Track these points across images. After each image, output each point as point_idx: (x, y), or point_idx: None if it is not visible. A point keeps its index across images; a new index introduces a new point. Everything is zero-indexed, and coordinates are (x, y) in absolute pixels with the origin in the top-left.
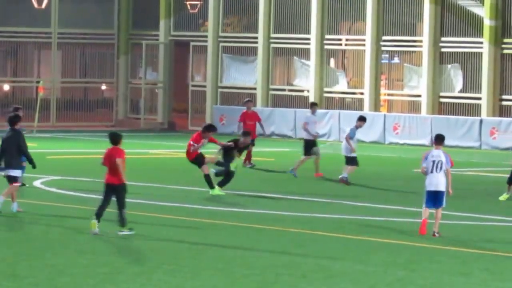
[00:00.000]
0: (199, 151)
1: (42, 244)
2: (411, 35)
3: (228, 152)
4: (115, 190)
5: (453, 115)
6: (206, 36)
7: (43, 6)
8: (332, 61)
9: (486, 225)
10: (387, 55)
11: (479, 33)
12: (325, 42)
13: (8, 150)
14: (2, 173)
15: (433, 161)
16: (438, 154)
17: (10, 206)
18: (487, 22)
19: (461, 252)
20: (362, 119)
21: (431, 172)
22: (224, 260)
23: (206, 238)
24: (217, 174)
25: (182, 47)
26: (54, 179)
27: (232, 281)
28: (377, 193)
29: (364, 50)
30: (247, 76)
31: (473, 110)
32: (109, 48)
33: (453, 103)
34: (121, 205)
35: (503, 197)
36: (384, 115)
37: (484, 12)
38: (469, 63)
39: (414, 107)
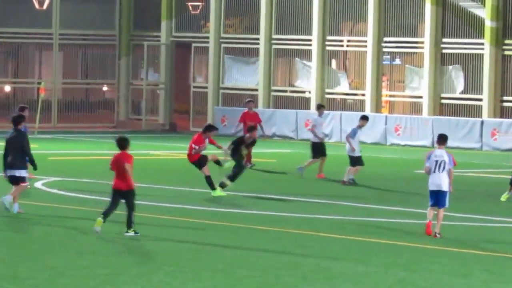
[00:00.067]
0: (201, 153)
1: (43, 245)
2: (412, 36)
3: (236, 149)
4: (123, 195)
5: (454, 116)
6: (207, 37)
7: (44, 7)
8: (333, 62)
9: (487, 226)
10: (388, 56)
11: (480, 34)
12: (327, 43)
13: (12, 150)
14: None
15: (436, 161)
16: (441, 154)
17: (11, 207)
18: (488, 24)
19: (462, 253)
20: (364, 118)
21: (434, 172)
22: (225, 261)
23: (207, 239)
24: (230, 178)
25: (184, 48)
26: (56, 180)
27: (232, 282)
28: (378, 194)
29: (366, 52)
30: (249, 77)
31: (474, 111)
32: (111, 49)
33: (454, 104)
34: (130, 208)
35: (504, 196)
36: (386, 116)
37: (485, 13)
38: (470, 64)
39: (415, 108)
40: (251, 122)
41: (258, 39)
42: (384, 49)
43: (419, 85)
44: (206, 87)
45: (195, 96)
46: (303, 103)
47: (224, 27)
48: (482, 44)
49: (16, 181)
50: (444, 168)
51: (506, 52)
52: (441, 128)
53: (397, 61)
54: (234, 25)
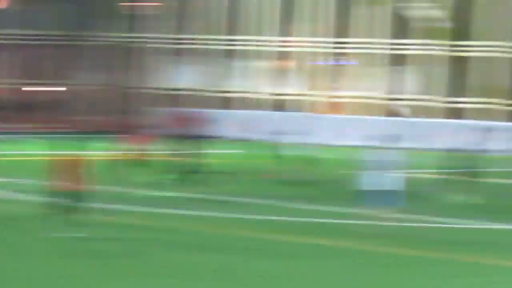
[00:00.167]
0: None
1: None
2: (366, 37)
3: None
4: (71, 195)
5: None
6: (148, 38)
7: None
8: (286, 62)
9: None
10: (342, 57)
11: (434, 35)
12: (281, 43)
13: None
14: None
15: (379, 161)
16: (387, 154)
17: None
18: (442, 25)
19: (398, 253)
20: None
21: (376, 171)
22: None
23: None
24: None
25: (127, 50)
26: None
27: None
28: (314, 194)
29: (319, 52)
30: (188, 77)
31: (429, 112)
32: (61, 49)
33: (408, 105)
34: (75, 209)
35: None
36: (336, 117)
37: (439, 15)
38: (423, 65)
39: (367, 109)
40: (185, 122)
41: (198, 40)
42: (338, 50)
43: (373, 86)
44: (147, 88)
45: (138, 97)
46: (253, 104)
47: (165, 28)
48: (435, 45)
49: None
50: (388, 168)
51: (459, 54)
52: (393, 128)
53: (350, 62)
54: (175, 26)
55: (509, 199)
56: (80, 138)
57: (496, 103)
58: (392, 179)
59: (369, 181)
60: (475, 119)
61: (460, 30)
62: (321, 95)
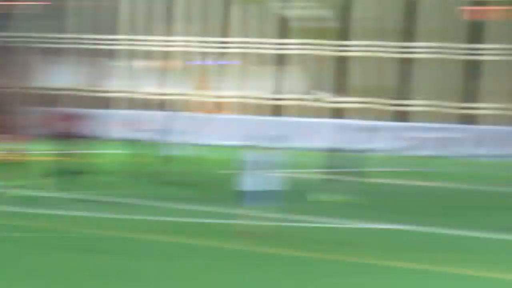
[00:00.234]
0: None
1: None
2: (250, 37)
3: None
4: None
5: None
6: (27, 37)
7: None
8: (170, 62)
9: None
10: (223, 57)
11: (317, 35)
12: (165, 43)
13: None
14: None
15: (259, 161)
16: (267, 154)
17: None
18: (324, 25)
19: (275, 253)
20: None
21: (256, 171)
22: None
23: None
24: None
25: (6, 50)
26: None
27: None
28: (194, 195)
29: (202, 52)
30: (69, 77)
31: (310, 111)
32: None
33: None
34: None
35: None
36: (221, 117)
37: (321, 15)
38: (308, 65)
39: (252, 108)
40: (64, 122)
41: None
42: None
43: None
44: (16, 88)
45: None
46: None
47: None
48: (314, 45)
49: None
50: (259, 168)
51: (344, 53)
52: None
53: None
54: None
55: (391, 199)
56: None
57: (381, 103)
58: (272, 179)
59: (248, 181)
60: (359, 118)
61: (344, 30)
62: (205, 95)
